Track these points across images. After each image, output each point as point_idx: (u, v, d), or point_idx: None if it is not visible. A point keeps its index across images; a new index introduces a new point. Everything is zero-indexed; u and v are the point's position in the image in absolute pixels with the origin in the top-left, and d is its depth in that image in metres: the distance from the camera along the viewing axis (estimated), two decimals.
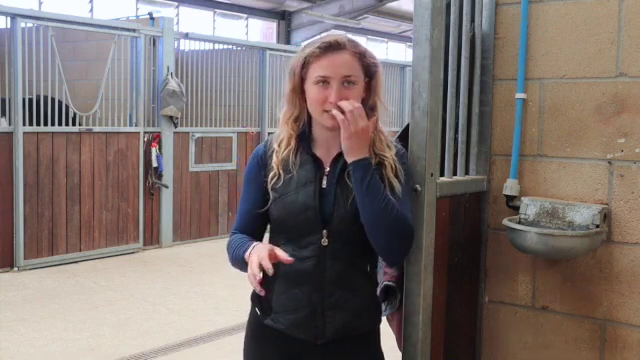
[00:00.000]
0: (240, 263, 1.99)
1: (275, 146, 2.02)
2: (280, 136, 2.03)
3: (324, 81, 1.92)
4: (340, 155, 1.97)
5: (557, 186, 2.49)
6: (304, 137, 2.01)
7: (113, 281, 6.53)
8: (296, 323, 1.97)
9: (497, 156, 2.61)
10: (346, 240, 1.94)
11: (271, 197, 2.00)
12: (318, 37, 2.04)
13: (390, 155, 1.97)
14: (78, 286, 6.33)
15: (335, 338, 1.97)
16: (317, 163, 1.98)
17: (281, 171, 1.98)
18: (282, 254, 1.87)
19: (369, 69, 1.98)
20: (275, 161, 2.00)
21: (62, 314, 5.48)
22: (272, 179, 1.99)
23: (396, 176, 1.96)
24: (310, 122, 2.02)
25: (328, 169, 1.98)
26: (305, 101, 1.98)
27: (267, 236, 2.09)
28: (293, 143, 2.00)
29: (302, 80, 1.97)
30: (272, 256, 1.86)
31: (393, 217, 1.89)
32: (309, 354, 2.00)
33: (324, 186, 1.96)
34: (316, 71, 1.93)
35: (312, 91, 1.94)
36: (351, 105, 1.87)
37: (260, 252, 1.88)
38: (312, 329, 1.96)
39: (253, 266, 1.86)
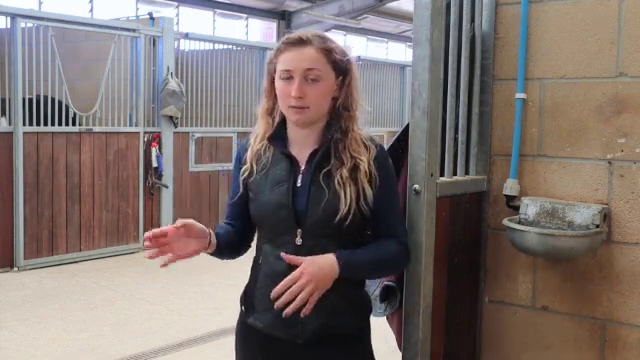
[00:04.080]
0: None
1: (251, 141, 2.04)
2: (256, 131, 2.06)
3: (288, 76, 1.93)
4: (315, 153, 1.97)
5: (557, 186, 2.49)
6: (278, 136, 2.01)
7: (113, 281, 6.53)
8: (274, 322, 1.96)
9: (497, 156, 2.61)
10: (321, 239, 1.93)
11: (249, 196, 2.02)
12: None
13: (366, 158, 1.95)
14: (78, 286, 6.33)
15: (315, 338, 1.95)
16: (291, 161, 1.98)
17: (253, 165, 2.00)
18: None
19: (338, 66, 1.97)
20: (249, 155, 2.02)
21: (62, 314, 5.48)
22: (243, 173, 2.02)
23: (369, 182, 1.95)
24: (285, 121, 2.03)
25: (303, 167, 1.97)
26: (277, 96, 2.00)
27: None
28: (267, 138, 2.01)
29: (274, 75, 2.00)
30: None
31: (396, 267, 2.15)
32: (291, 355, 1.99)
33: (299, 184, 1.95)
34: (281, 65, 1.95)
35: (278, 86, 1.96)
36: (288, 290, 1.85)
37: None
38: (290, 328, 1.94)
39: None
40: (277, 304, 1.84)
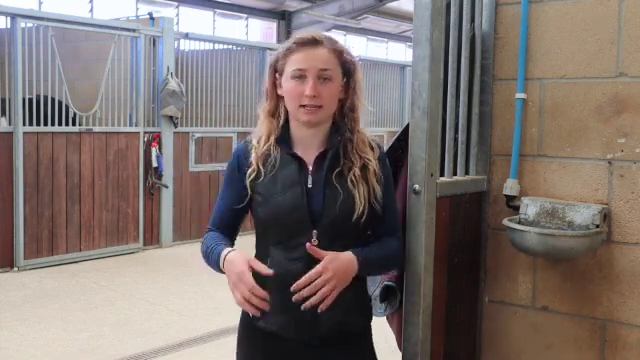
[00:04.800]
0: (214, 266, 2.00)
1: (254, 142, 2.03)
2: (258, 133, 2.04)
3: (300, 75, 1.93)
4: (323, 154, 1.97)
5: (557, 186, 2.49)
6: (283, 138, 2.01)
7: (113, 281, 6.53)
8: (291, 324, 1.96)
9: (497, 156, 2.61)
10: (336, 239, 1.94)
11: (256, 199, 2.00)
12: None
13: (373, 158, 2.00)
14: (78, 286, 6.33)
15: (328, 337, 1.96)
16: (300, 163, 1.98)
17: (261, 167, 1.99)
18: (261, 267, 1.89)
19: (347, 67, 1.99)
20: (254, 157, 2.00)
21: (62, 314, 5.48)
22: (250, 175, 2.00)
23: (378, 181, 1.99)
24: (288, 123, 2.03)
25: (311, 168, 1.98)
26: (281, 97, 2.00)
27: (253, 239, 2.08)
28: (272, 139, 2.00)
29: (280, 75, 1.99)
30: (251, 269, 1.89)
31: (397, 264, 2.15)
32: (299, 355, 1.99)
33: (310, 186, 1.96)
34: (292, 65, 1.95)
35: (288, 86, 1.96)
36: (311, 285, 1.86)
37: (238, 269, 1.88)
38: (307, 329, 1.95)
39: (243, 294, 1.87)
40: (296, 297, 1.85)
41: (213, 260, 1.99)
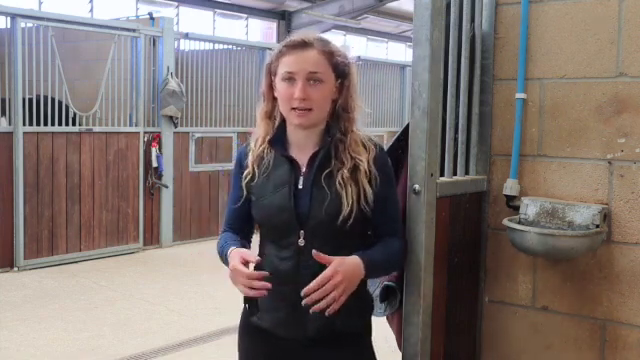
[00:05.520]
0: (226, 263, 2.03)
1: (252, 145, 2.05)
2: (256, 135, 2.06)
3: (289, 78, 1.94)
4: (316, 155, 1.98)
5: (557, 186, 2.49)
6: (278, 139, 2.02)
7: (113, 281, 6.53)
8: (280, 322, 1.98)
9: (497, 156, 2.61)
10: (324, 240, 1.94)
11: (252, 199, 2.03)
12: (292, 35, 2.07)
13: (365, 158, 1.97)
14: (78, 286, 6.33)
15: (318, 337, 1.96)
16: (292, 164, 1.99)
17: (255, 169, 2.01)
18: (249, 257, 1.92)
19: (339, 68, 1.99)
20: (250, 159, 2.03)
21: (62, 314, 5.48)
22: (246, 177, 2.03)
23: (369, 182, 1.97)
24: (285, 124, 2.04)
25: (304, 169, 1.99)
26: (276, 99, 2.01)
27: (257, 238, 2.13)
28: (267, 141, 2.02)
29: (274, 77, 2.00)
30: (243, 262, 1.91)
31: (401, 264, 2.15)
32: (295, 354, 2.01)
33: (300, 187, 1.97)
34: (283, 68, 1.96)
35: (280, 88, 1.97)
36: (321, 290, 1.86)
37: (231, 265, 1.93)
38: (295, 328, 1.96)
39: (241, 281, 1.90)
40: (306, 301, 1.85)
41: (224, 260, 2.03)
